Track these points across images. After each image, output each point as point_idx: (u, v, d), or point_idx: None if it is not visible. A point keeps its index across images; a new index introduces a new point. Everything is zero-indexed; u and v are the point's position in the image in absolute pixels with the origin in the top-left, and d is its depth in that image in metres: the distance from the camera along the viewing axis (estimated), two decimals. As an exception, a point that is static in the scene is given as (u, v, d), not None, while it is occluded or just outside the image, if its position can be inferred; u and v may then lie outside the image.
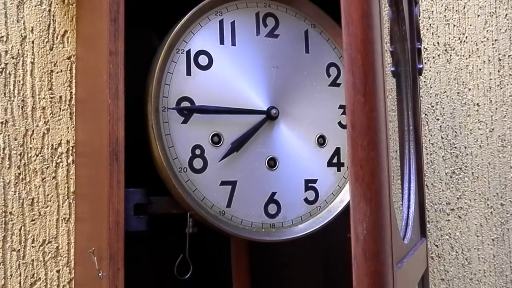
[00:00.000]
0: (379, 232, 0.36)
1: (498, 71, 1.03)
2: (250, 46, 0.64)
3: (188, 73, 0.60)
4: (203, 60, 0.61)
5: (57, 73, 0.71)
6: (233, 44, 0.63)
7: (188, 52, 0.61)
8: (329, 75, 0.68)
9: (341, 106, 0.69)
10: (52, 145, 0.70)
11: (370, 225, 0.35)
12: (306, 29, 0.68)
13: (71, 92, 0.71)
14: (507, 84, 1.04)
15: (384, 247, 0.36)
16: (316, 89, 0.68)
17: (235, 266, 0.70)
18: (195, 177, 0.60)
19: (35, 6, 0.70)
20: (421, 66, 0.70)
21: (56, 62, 0.71)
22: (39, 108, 0.70)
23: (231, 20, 0.63)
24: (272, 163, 0.64)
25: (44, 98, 0.70)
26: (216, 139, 0.61)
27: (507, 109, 1.03)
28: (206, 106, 0.60)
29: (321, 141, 0.67)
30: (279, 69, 0.65)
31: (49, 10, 0.71)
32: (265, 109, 0.64)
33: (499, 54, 1.03)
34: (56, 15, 0.71)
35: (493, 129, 1.02)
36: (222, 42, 0.62)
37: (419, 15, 0.76)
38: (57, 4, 0.72)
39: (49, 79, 0.70)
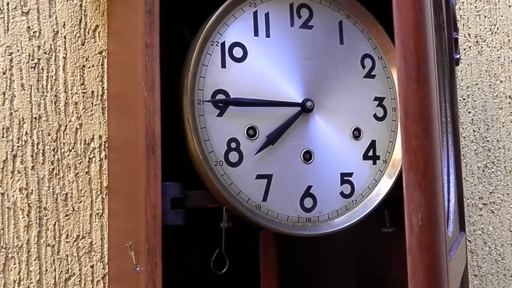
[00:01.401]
0: (434, 223, 0.35)
1: (532, 63, 1.01)
2: (284, 38, 0.63)
3: (223, 65, 0.60)
4: (237, 52, 0.60)
5: (89, 68, 0.71)
6: (268, 35, 0.62)
7: (223, 44, 0.60)
8: (363, 67, 0.67)
9: (376, 98, 0.68)
10: (85, 140, 0.70)
11: (425, 215, 0.34)
12: (340, 19, 0.67)
13: (103, 87, 0.71)
14: (541, 76, 1.01)
15: (439, 238, 0.35)
16: (351, 81, 0.66)
17: (263, 260, 0.69)
18: (231, 170, 0.59)
19: (67, 1, 0.70)
20: (458, 56, 0.69)
21: (88, 57, 0.71)
22: (71, 103, 0.69)
23: (265, 12, 0.62)
24: (308, 156, 0.63)
25: (76, 93, 0.70)
26: (252, 132, 0.60)
27: (540, 101, 1.01)
28: (241, 98, 0.60)
29: (357, 133, 0.66)
30: (313, 61, 0.64)
31: (81, 5, 0.71)
32: (300, 101, 0.63)
33: (532, 45, 1.01)
34: (88, 9, 0.71)
35: (527, 122, 1.00)
36: (256, 33, 0.62)
37: (455, 4, 0.74)
38: (88, -1, 0.71)
39: (81, 74, 0.70)
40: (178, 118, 0.58)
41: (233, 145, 0.59)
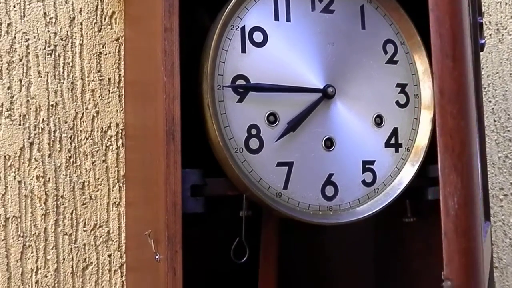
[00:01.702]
0: (470, 206, 0.33)
1: (554, 51, 0.99)
2: (305, 22, 0.62)
3: (243, 50, 0.58)
4: (257, 36, 0.59)
5: (106, 55, 0.70)
6: (288, 20, 0.61)
7: (243, 29, 0.59)
8: (386, 52, 0.66)
9: (398, 85, 0.66)
10: (102, 128, 0.69)
11: (462, 199, 0.33)
12: (362, 4, 0.65)
13: (119, 74, 0.70)
14: None
15: (475, 222, 0.34)
16: (373, 67, 0.65)
17: (264, 249, 0.67)
18: (251, 157, 0.58)
19: (83, -14, 0.69)
20: (483, 41, 0.67)
21: (105, 43, 0.70)
22: (88, 90, 0.69)
23: (286, -5, 0.61)
24: (329, 143, 0.62)
25: (93, 80, 0.69)
26: (272, 119, 0.59)
27: None
28: (262, 84, 0.58)
29: (378, 121, 0.65)
30: (334, 46, 0.63)
31: (97, -9, 0.70)
32: (321, 87, 0.61)
33: (554, 32, 0.99)
34: (104, -5, 0.70)
35: (549, 111, 0.98)
36: (276, 18, 0.60)
37: (480, -12, 0.73)
38: (105, -15, 0.70)
39: (98, 61, 0.69)
40: (197, 104, 0.57)
41: (254, 131, 0.58)
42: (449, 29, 0.34)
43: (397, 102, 0.66)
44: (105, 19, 0.70)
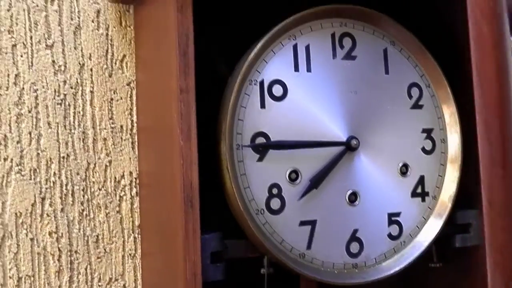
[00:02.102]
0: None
1: None
2: (326, 71, 0.59)
3: (262, 105, 0.55)
4: (277, 90, 0.56)
5: (117, 101, 0.67)
6: (309, 70, 0.58)
7: (262, 83, 0.56)
8: (410, 97, 0.63)
9: (424, 130, 0.63)
10: (115, 177, 0.67)
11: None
12: (385, 47, 0.62)
13: (132, 121, 0.68)
14: None
15: None
16: (397, 113, 0.62)
17: None
18: (273, 218, 0.55)
19: (92, 31, 0.66)
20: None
21: (116, 89, 0.67)
22: (100, 139, 0.66)
23: (306, 44, 0.58)
24: (353, 197, 0.59)
25: (105, 128, 0.66)
26: (294, 176, 0.56)
27: None
28: (283, 141, 0.56)
29: (404, 170, 0.62)
30: (357, 94, 0.60)
31: (107, 34, 0.67)
32: (345, 139, 0.58)
33: None
34: (114, 39, 0.67)
35: None
36: (296, 69, 0.57)
37: None
38: (115, 27, 0.68)
39: (109, 107, 0.67)
40: (216, 165, 0.55)
41: (275, 191, 0.56)
42: (498, 135, 0.31)
43: (423, 149, 0.63)
44: (115, 63, 0.67)
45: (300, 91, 0.57)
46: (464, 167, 0.63)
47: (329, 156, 0.58)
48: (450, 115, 0.64)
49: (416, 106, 0.63)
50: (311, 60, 0.58)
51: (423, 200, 0.63)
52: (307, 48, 0.58)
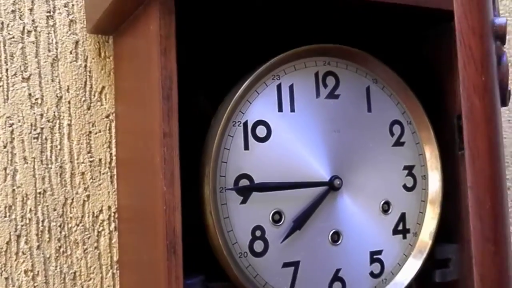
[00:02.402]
0: None
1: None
2: (309, 111, 0.58)
3: (246, 147, 0.55)
4: (261, 131, 0.56)
5: (96, 134, 0.66)
6: (292, 110, 0.57)
7: (245, 124, 0.55)
8: (392, 134, 0.63)
9: (405, 167, 0.63)
10: (93, 212, 0.65)
11: None
12: (367, 85, 0.62)
13: (111, 154, 0.66)
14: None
15: None
16: (380, 151, 0.62)
17: None
18: (256, 261, 0.55)
19: (70, 62, 0.65)
20: None
21: (94, 122, 0.66)
22: (78, 173, 0.65)
23: (290, 84, 0.58)
24: (336, 237, 0.59)
25: (83, 162, 0.65)
26: (277, 217, 0.56)
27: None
28: (266, 183, 0.55)
29: (386, 207, 0.62)
30: (340, 133, 0.60)
31: (85, 66, 0.66)
32: (328, 179, 0.58)
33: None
34: (93, 70, 0.66)
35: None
36: (280, 109, 0.57)
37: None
38: (93, 59, 0.66)
39: (88, 141, 0.65)
40: (198, 208, 0.54)
41: (258, 233, 0.55)
42: (490, 210, 0.31)
43: (404, 186, 0.63)
44: (94, 95, 0.66)
45: (284, 132, 0.57)
46: (444, 202, 0.64)
47: (312, 196, 0.58)
48: (431, 151, 0.64)
49: (398, 143, 0.63)
50: (294, 100, 0.58)
51: (404, 237, 0.63)
52: (291, 88, 0.58)
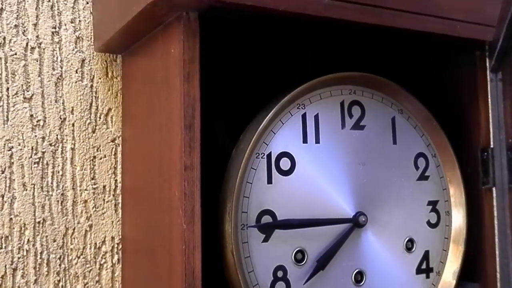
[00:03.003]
0: None
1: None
2: (335, 143, 0.55)
3: (269, 181, 0.51)
4: (285, 163, 0.52)
5: (100, 159, 0.61)
6: (317, 141, 0.54)
7: (269, 156, 0.51)
8: (417, 168, 0.60)
9: (429, 202, 0.60)
10: (95, 243, 0.60)
11: None
12: (393, 115, 0.59)
13: (116, 180, 0.62)
14: None
15: None
16: (404, 185, 0.59)
17: None
18: (277, 304, 0.51)
19: (76, 82, 0.61)
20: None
21: (99, 146, 0.61)
22: (80, 201, 0.60)
23: (315, 113, 0.54)
24: (359, 277, 0.55)
25: (86, 189, 0.60)
26: (300, 256, 0.52)
27: None
28: (290, 220, 0.51)
29: (410, 245, 0.59)
30: (365, 166, 0.56)
31: (91, 86, 0.61)
32: (352, 215, 0.55)
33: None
34: (99, 91, 0.62)
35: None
36: (305, 140, 0.53)
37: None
38: (100, 79, 0.62)
39: (92, 166, 0.61)
40: (218, 246, 0.50)
41: (280, 273, 0.51)
42: None
43: (428, 222, 0.60)
44: (100, 117, 0.62)
45: (308, 164, 0.53)
46: (467, 238, 0.61)
47: (336, 233, 0.54)
48: (455, 186, 0.61)
49: (422, 177, 0.60)
50: (320, 131, 0.54)
51: (428, 276, 0.60)
52: (316, 118, 0.54)
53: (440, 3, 0.55)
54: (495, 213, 0.61)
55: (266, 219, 0.51)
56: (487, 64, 0.62)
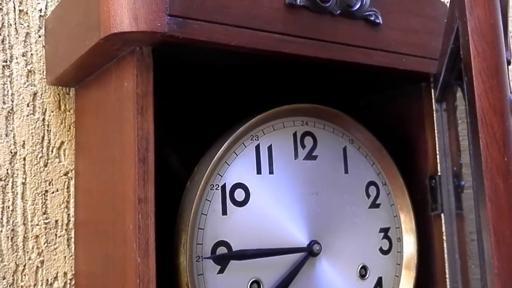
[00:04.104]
0: None
1: None
2: (288, 173, 0.56)
3: (224, 212, 0.52)
4: (239, 194, 0.53)
5: (53, 193, 0.60)
6: (271, 172, 0.55)
7: (224, 187, 0.52)
8: (368, 196, 0.61)
9: (381, 230, 0.62)
10: (47, 280, 0.59)
11: None
12: (344, 145, 0.61)
13: (68, 214, 0.61)
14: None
15: None
16: (356, 213, 0.60)
17: None
18: (234, 336, 0.51)
19: (27, 116, 0.60)
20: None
21: (51, 180, 0.60)
22: (31, 237, 0.59)
23: (268, 144, 0.55)
24: (314, 306, 0.56)
25: (37, 224, 0.59)
26: (255, 286, 0.53)
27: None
28: (245, 250, 0.52)
29: (363, 272, 0.60)
30: (318, 196, 0.58)
31: (43, 119, 0.61)
32: (306, 244, 0.56)
33: None
34: (52, 124, 0.61)
35: None
36: (259, 171, 0.54)
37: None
38: (52, 112, 0.61)
39: (43, 201, 0.60)
40: (172, 279, 0.50)
41: (235, 306, 0.51)
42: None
43: (381, 249, 0.61)
44: (52, 151, 0.61)
45: (263, 195, 0.54)
46: (419, 264, 0.62)
47: (291, 262, 0.55)
48: (405, 213, 0.63)
49: (374, 205, 0.62)
50: (273, 161, 0.55)
51: (381, 303, 0.61)
52: (270, 149, 0.55)
53: (387, 38, 0.58)
54: (444, 239, 0.63)
55: (221, 250, 0.51)
56: (433, 95, 0.64)
